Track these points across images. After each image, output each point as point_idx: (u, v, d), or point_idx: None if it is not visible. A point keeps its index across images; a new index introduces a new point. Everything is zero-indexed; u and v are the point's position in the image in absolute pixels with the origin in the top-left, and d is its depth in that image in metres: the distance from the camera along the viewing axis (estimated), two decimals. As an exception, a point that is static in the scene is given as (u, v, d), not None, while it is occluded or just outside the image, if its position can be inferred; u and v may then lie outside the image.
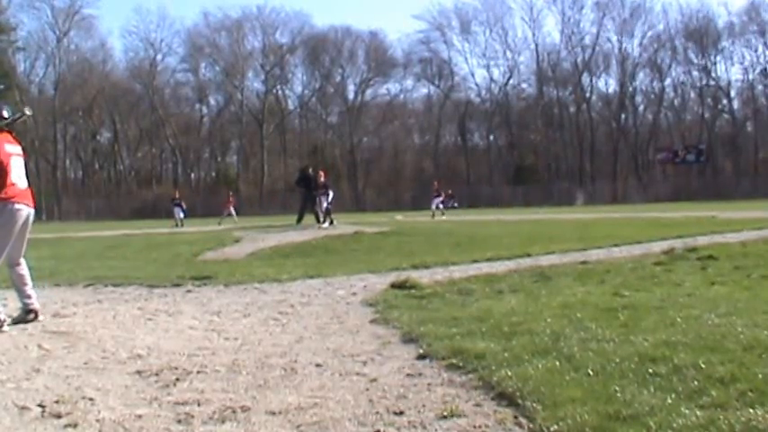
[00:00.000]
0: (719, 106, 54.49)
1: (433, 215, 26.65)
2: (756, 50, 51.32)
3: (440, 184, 31.18)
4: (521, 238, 11.03)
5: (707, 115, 54.01)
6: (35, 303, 4.36)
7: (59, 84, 51.37)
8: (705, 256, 6.71)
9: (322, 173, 17.38)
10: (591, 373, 2.68)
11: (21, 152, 4.34)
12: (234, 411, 2.48)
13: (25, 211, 4.24)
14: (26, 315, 4.30)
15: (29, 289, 4.34)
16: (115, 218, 42.17)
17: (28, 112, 4.61)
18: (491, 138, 58.20)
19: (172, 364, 3.20)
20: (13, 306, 4.47)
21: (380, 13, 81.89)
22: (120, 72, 56.23)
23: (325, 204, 15.97)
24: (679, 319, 3.63)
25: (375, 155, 57.68)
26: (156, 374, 3.03)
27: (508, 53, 56.18)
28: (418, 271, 6.58)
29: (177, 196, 28.43)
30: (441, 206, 28.56)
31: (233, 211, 27.73)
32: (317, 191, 16.17)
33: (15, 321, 4.25)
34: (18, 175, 4.22)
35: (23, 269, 4.35)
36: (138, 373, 3.08)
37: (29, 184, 4.36)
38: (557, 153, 55.40)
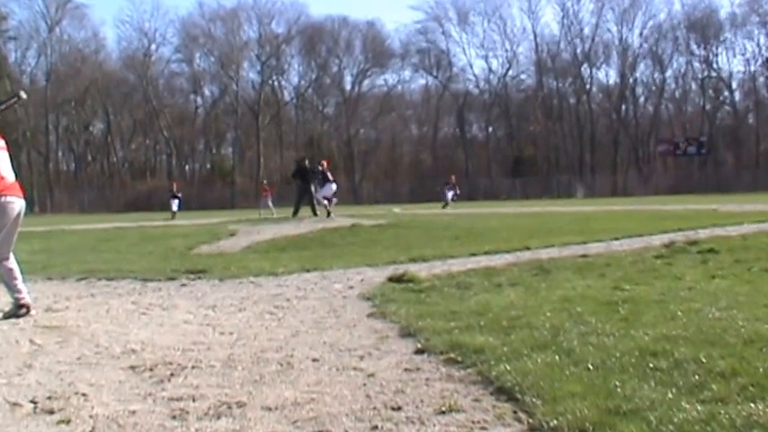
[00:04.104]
0: (721, 98, 54.43)
1: (445, 205, 26.54)
2: (758, 42, 51.30)
3: (457, 178, 30.77)
4: (520, 231, 11.00)
5: (708, 107, 53.91)
6: (27, 298, 4.32)
7: (51, 74, 50.97)
8: (706, 250, 6.67)
9: (325, 162, 17.33)
10: (591, 367, 2.66)
11: (5, 146, 4.35)
12: (229, 407, 2.45)
13: (18, 204, 4.27)
14: (18, 310, 4.26)
15: (19, 283, 4.30)
16: (108, 210, 42.06)
17: (23, 95, 4.56)
18: (490, 129, 58.04)
19: (166, 359, 3.17)
20: (5, 301, 4.43)
21: (377, 3, 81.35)
22: (114, 62, 55.78)
23: (322, 195, 15.88)
24: (680, 313, 3.61)
25: (372, 146, 57.48)
26: (151, 370, 3.00)
27: (507, 44, 55.97)
28: (416, 264, 6.54)
29: (175, 189, 28.38)
30: (453, 198, 28.14)
31: (270, 203, 25.10)
32: (326, 180, 16.06)
33: (6, 316, 4.22)
34: (6, 170, 4.23)
35: (12, 263, 4.32)
36: (132, 368, 3.05)
37: (16, 178, 4.36)
38: (556, 145, 55.21)
